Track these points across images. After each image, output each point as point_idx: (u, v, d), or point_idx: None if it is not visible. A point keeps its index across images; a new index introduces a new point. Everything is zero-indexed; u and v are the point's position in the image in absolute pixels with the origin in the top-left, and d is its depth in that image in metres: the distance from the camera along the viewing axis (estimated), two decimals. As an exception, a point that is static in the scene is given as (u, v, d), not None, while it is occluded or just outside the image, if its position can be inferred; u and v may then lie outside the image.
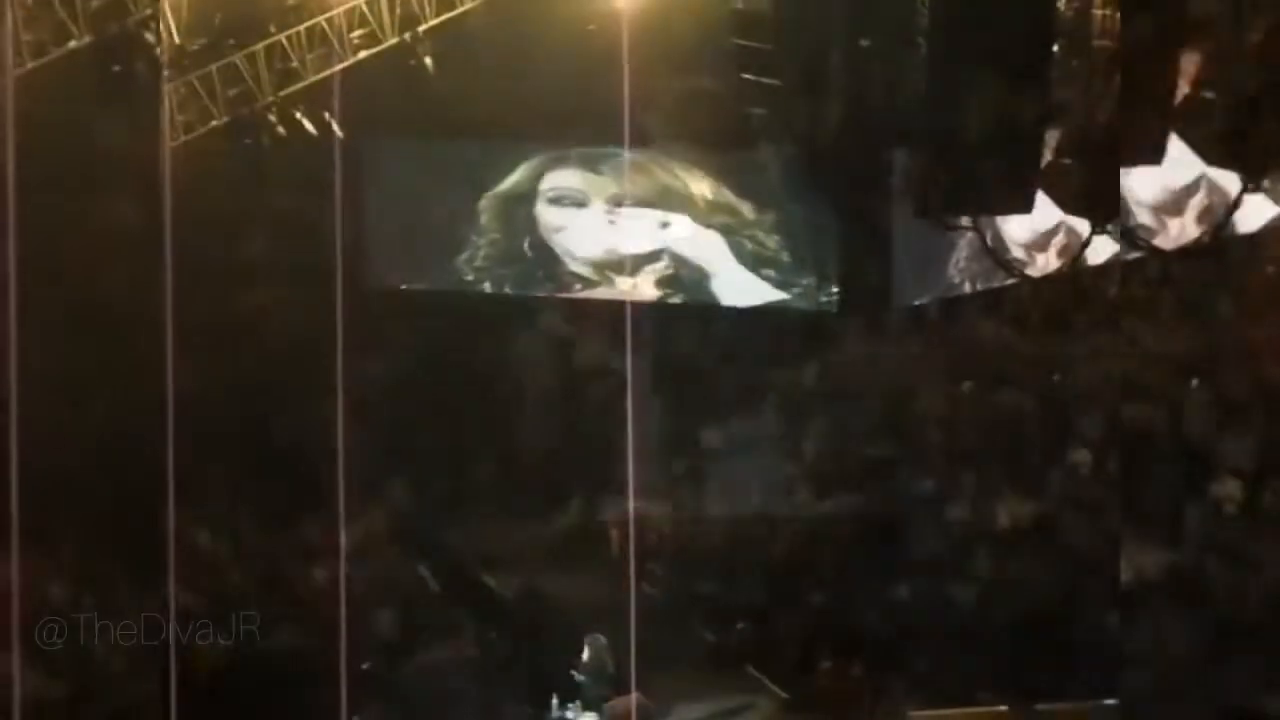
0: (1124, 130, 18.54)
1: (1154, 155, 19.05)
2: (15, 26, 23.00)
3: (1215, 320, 25.39)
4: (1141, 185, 21.72)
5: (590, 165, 27.77)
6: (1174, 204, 22.35)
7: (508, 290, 28.10)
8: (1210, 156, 19.52)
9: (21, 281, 20.94)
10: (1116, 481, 23.68)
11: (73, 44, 23.79)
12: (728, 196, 27.54)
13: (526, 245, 27.98)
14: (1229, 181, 20.91)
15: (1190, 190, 22.05)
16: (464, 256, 27.97)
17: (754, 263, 27.50)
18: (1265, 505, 22.62)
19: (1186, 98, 18.64)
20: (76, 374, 25.16)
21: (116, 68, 24.04)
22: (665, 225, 27.58)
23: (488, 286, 28.07)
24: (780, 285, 27.40)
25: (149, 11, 24.04)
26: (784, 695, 24.18)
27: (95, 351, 25.63)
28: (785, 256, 27.28)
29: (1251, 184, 20.57)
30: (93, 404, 25.51)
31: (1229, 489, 22.93)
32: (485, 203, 27.94)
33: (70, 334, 25.05)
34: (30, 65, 23.31)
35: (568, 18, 25.95)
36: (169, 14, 24.88)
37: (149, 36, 24.08)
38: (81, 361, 25.49)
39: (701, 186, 27.62)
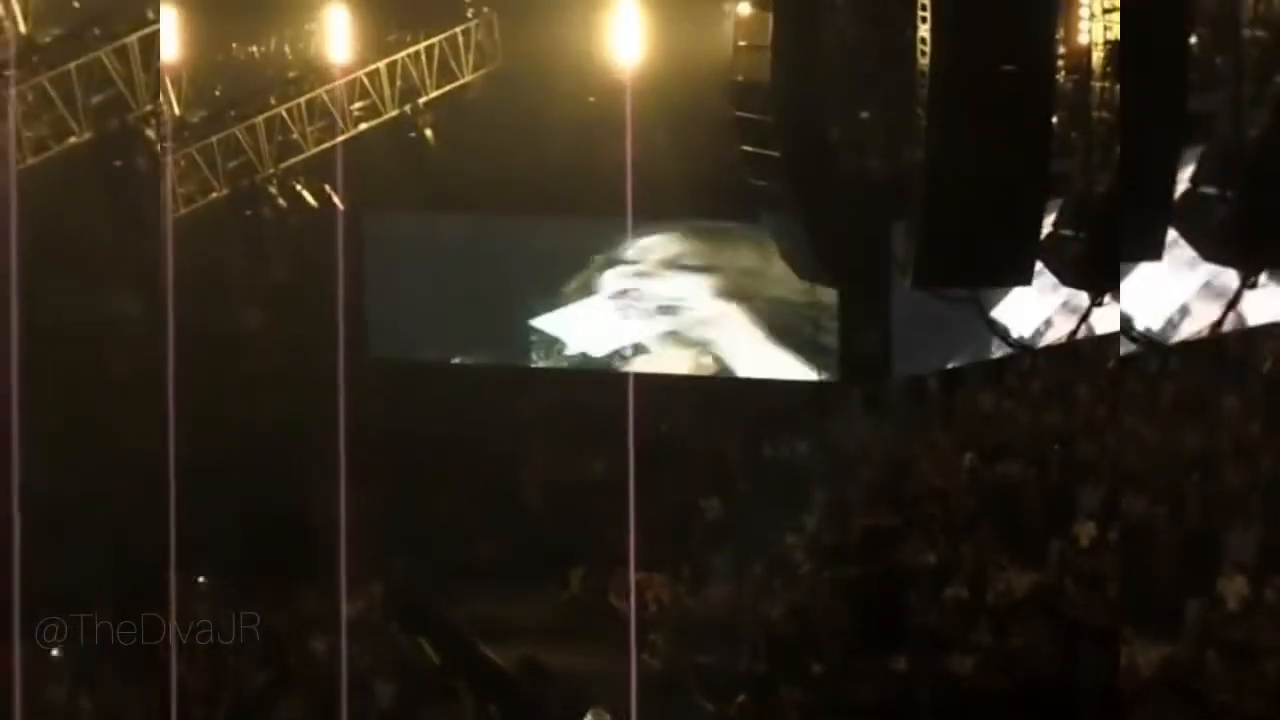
0: (1124, 227, 18.64)
1: (1154, 251, 19.12)
2: (17, 123, 23.17)
3: (1217, 413, 25.48)
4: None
5: (605, 237, 27.70)
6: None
7: (509, 361, 28.09)
8: (1208, 253, 19.55)
9: (24, 356, 20.97)
10: (1117, 554, 23.67)
11: (73, 139, 23.95)
12: (745, 265, 27.49)
13: (531, 317, 27.97)
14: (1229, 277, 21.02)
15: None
16: (468, 327, 27.98)
17: (771, 334, 27.40)
18: (1268, 601, 22.62)
19: (1185, 194, 18.71)
20: (77, 442, 25.16)
21: (117, 163, 24.14)
22: (680, 299, 27.54)
23: (490, 357, 28.08)
24: (794, 355, 27.31)
25: (149, 108, 24.15)
26: (785, 766, 24.09)
27: (96, 418, 25.65)
28: (796, 327, 27.22)
29: (1250, 281, 20.63)
30: (94, 471, 25.49)
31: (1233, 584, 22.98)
32: (494, 273, 27.92)
33: (72, 403, 25.07)
34: (31, 161, 23.46)
35: (569, 90, 26.08)
36: (169, 86, 25.04)
37: (149, 132, 24.20)
38: (82, 428, 25.51)
39: (715, 257, 27.59)
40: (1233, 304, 21.65)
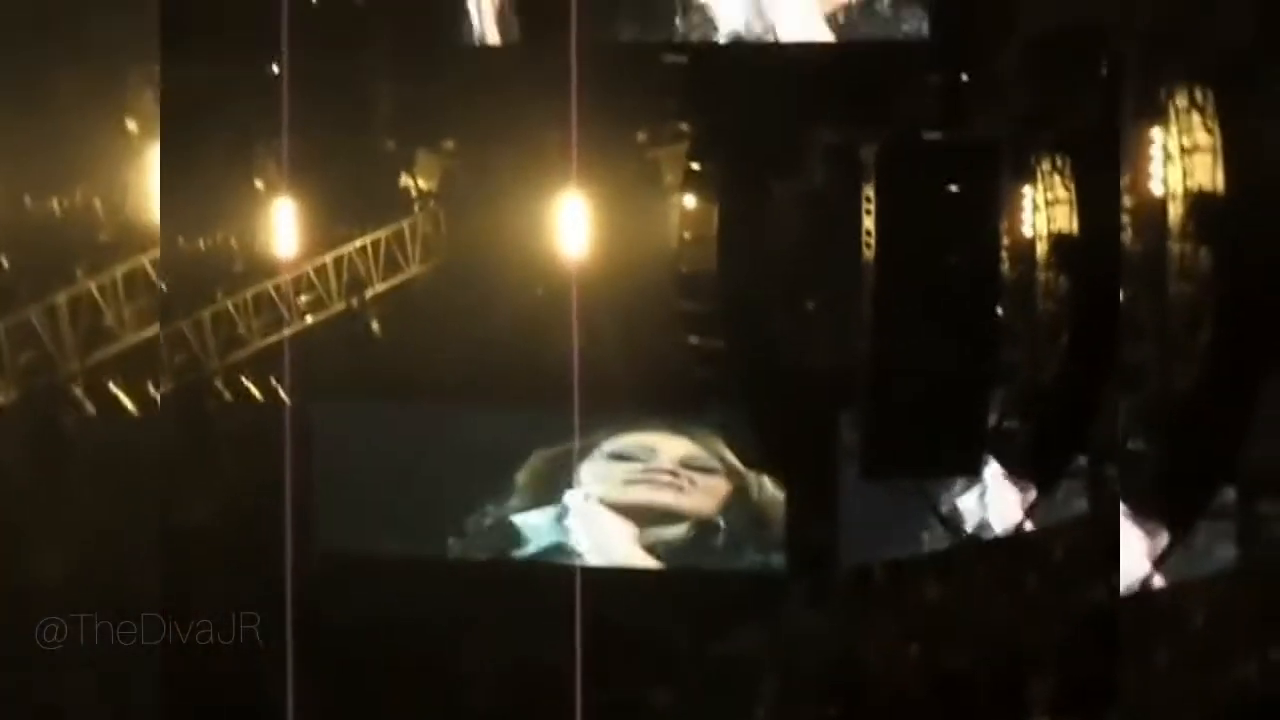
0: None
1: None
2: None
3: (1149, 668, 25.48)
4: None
5: (552, 429, 27.56)
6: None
7: (456, 552, 27.93)
8: (1137, 508, 19.56)
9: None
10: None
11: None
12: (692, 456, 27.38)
13: (479, 508, 27.83)
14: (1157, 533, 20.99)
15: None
16: (415, 518, 27.82)
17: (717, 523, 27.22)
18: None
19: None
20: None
21: (45, 420, 24.05)
22: (626, 490, 27.32)
23: (436, 549, 27.90)
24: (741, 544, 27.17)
25: (75, 366, 24.15)
26: None
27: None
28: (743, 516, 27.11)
29: (1178, 537, 20.60)
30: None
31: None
32: (441, 465, 27.80)
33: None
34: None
35: (515, 282, 26.15)
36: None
37: (77, 390, 24.16)
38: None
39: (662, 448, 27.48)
40: (1161, 560, 21.39)
